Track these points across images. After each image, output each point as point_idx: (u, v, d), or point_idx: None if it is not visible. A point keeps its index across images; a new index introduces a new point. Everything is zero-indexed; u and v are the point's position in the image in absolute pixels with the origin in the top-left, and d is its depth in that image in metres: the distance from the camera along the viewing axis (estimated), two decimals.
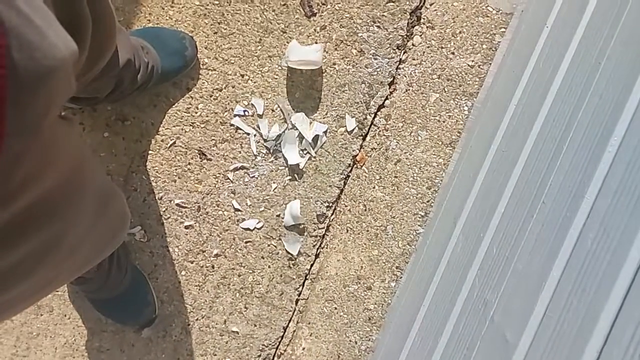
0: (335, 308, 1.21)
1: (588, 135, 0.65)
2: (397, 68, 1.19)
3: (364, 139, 1.20)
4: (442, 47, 1.19)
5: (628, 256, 0.49)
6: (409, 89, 1.20)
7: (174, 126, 1.17)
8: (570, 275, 0.57)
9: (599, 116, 0.64)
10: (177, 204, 1.18)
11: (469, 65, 1.18)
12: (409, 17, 1.18)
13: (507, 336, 0.63)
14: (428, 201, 1.19)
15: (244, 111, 1.17)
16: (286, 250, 1.19)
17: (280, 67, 1.17)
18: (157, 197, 1.18)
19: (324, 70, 1.17)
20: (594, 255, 0.55)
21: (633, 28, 0.65)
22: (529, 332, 0.59)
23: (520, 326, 0.61)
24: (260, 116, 1.17)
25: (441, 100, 1.19)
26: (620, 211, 0.53)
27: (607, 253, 0.52)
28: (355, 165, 1.21)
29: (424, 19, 1.19)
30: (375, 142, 1.20)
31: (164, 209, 1.18)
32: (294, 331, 1.22)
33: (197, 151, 1.17)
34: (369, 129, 1.20)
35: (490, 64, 1.17)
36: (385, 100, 1.20)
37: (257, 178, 1.18)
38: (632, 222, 0.50)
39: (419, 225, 1.19)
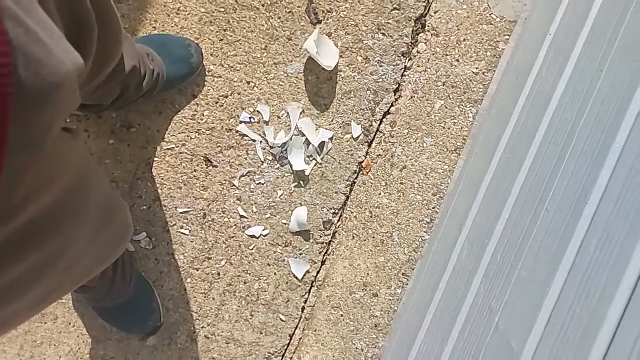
0: (342, 315, 1.21)
1: (591, 142, 0.65)
2: (402, 75, 1.20)
3: (369, 146, 1.21)
4: (446, 55, 1.19)
5: (631, 261, 0.49)
6: (415, 96, 1.20)
7: (179, 133, 1.18)
8: (573, 282, 0.57)
9: (601, 123, 0.64)
10: (183, 211, 1.19)
11: (473, 72, 1.19)
12: (413, 24, 1.19)
13: (512, 343, 0.63)
14: (434, 208, 1.19)
15: (250, 118, 1.18)
16: (292, 274, 1.19)
17: (286, 74, 1.18)
18: (162, 205, 1.18)
19: (329, 77, 1.18)
20: (597, 262, 0.54)
21: (634, 35, 0.65)
22: (534, 339, 0.59)
23: (525, 333, 0.61)
24: (266, 123, 1.18)
25: (446, 107, 1.19)
26: (623, 217, 0.53)
27: (611, 259, 0.52)
28: (361, 172, 1.21)
29: (428, 26, 1.20)
30: (381, 149, 1.21)
31: (169, 216, 1.19)
32: (300, 339, 1.22)
33: (203, 158, 1.18)
34: (374, 135, 1.21)
35: (495, 71, 1.18)
36: (390, 107, 1.20)
37: (263, 185, 1.19)
38: (635, 227, 0.50)
39: (424, 232, 1.19)
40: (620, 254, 0.51)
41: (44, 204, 0.51)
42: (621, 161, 0.57)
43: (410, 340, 1.05)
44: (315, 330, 1.22)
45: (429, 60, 1.20)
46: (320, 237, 1.20)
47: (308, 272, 1.20)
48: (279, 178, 1.19)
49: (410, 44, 1.19)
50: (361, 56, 1.18)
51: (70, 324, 1.20)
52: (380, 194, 1.20)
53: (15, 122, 0.40)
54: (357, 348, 1.21)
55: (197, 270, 1.20)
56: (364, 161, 1.20)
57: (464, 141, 1.19)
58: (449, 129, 1.19)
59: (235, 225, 1.19)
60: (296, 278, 1.20)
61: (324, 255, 1.21)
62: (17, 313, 0.57)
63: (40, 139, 0.45)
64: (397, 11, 1.18)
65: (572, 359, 0.52)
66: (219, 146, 1.18)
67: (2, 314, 0.53)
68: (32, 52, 0.41)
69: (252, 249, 1.20)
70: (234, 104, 1.18)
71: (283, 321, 1.21)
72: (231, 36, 1.17)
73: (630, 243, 0.50)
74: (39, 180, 0.49)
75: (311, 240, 1.20)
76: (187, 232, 1.19)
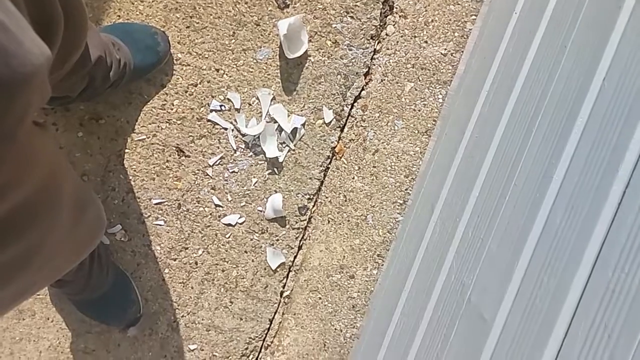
0: (320, 298, 1.23)
1: (555, 117, 0.67)
2: (371, 58, 1.20)
3: (341, 131, 1.21)
4: (415, 36, 1.20)
5: (594, 232, 0.51)
6: (384, 79, 1.21)
7: (149, 123, 1.16)
8: (540, 254, 0.59)
9: (565, 99, 0.66)
10: (157, 202, 1.18)
11: (441, 53, 1.20)
12: (381, 6, 1.19)
13: (484, 315, 0.65)
14: (406, 189, 1.21)
15: (221, 106, 1.17)
16: (267, 264, 1.20)
17: (255, 61, 1.17)
18: (136, 196, 1.17)
19: (299, 62, 1.17)
20: (562, 233, 0.56)
21: (595, 11, 0.67)
22: (504, 309, 0.61)
23: (496, 304, 0.63)
24: (237, 110, 1.17)
25: (416, 89, 1.20)
26: (586, 190, 0.55)
27: (575, 230, 0.54)
28: (334, 157, 1.22)
29: (396, 8, 1.20)
30: (353, 133, 1.21)
31: (143, 208, 1.18)
32: (280, 322, 1.23)
33: (174, 148, 1.17)
34: (346, 120, 1.21)
35: (463, 51, 1.19)
36: (361, 91, 1.21)
37: (237, 173, 1.19)
38: (597, 198, 0.52)
39: (398, 213, 1.21)
40: (584, 225, 0.53)
41: (19, 197, 0.51)
42: (584, 135, 0.59)
43: (387, 318, 1.07)
44: (295, 314, 1.23)
45: (397, 42, 1.20)
46: (296, 222, 1.21)
47: (283, 263, 1.21)
48: (252, 165, 1.19)
49: (378, 26, 1.20)
50: (330, 40, 1.18)
51: (48, 318, 1.18)
52: (353, 178, 1.22)
53: None
54: (336, 329, 1.23)
55: (175, 260, 1.19)
56: (336, 146, 1.21)
57: (434, 122, 1.20)
58: (419, 110, 1.20)
59: (211, 214, 1.19)
60: (270, 268, 1.21)
61: (300, 240, 1.22)
62: None
63: (13, 131, 0.45)
64: None
65: (540, 326, 0.54)
66: (191, 135, 1.17)
67: None
68: (1, 43, 0.40)
69: (229, 237, 1.20)
70: (203, 92, 1.17)
71: (262, 306, 1.22)
72: (198, 23, 1.16)
73: (593, 214, 0.52)
74: (14, 172, 0.49)
75: (287, 226, 1.21)
76: (162, 222, 1.18)
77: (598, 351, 0.46)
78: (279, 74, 1.17)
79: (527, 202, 0.65)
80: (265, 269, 1.21)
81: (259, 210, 1.20)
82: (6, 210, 0.49)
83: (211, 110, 1.17)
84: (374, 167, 1.21)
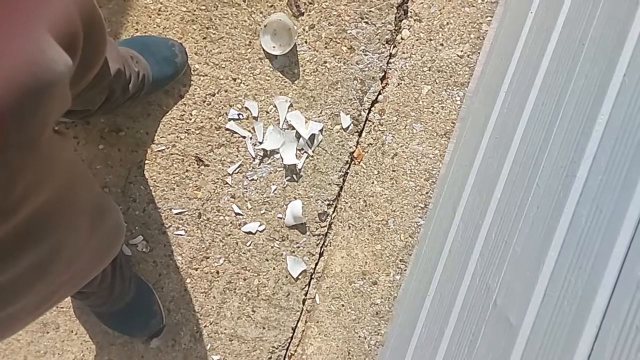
0: (343, 305, 1.22)
1: (576, 115, 0.66)
2: (387, 62, 1.20)
3: (359, 135, 1.21)
4: (430, 39, 1.19)
5: (621, 230, 0.49)
6: (401, 83, 1.20)
7: (169, 134, 1.18)
8: (567, 254, 0.58)
9: (585, 96, 0.65)
10: (178, 212, 1.19)
11: (458, 55, 1.19)
12: (396, 11, 1.19)
13: (510, 319, 0.64)
14: (427, 193, 1.20)
15: (239, 114, 1.17)
16: (288, 272, 1.20)
17: (272, 69, 1.17)
18: (157, 207, 1.18)
19: (315, 69, 1.18)
20: (588, 233, 0.55)
21: (613, 7, 0.65)
22: (531, 312, 0.60)
23: (522, 308, 0.62)
24: (255, 118, 1.18)
25: (433, 92, 1.20)
26: (611, 187, 0.54)
27: (601, 229, 0.53)
28: (353, 162, 1.21)
29: (411, 12, 1.20)
30: (371, 138, 1.21)
31: (164, 218, 1.19)
32: (303, 331, 1.23)
33: (194, 158, 1.18)
34: (364, 124, 1.21)
35: (479, 53, 1.18)
36: (378, 95, 1.20)
37: (256, 181, 1.19)
38: (622, 196, 0.51)
39: (419, 217, 1.20)
40: (610, 223, 0.52)
41: (39, 203, 0.52)
42: (607, 132, 0.58)
43: (411, 324, 1.06)
44: (317, 322, 1.23)
45: (413, 46, 1.20)
46: (317, 229, 1.21)
47: (304, 271, 1.20)
48: (271, 173, 1.19)
49: (393, 30, 1.19)
50: (345, 46, 1.18)
51: (72, 331, 1.20)
52: (373, 183, 1.21)
53: (12, 119, 0.41)
54: (360, 336, 1.22)
55: (196, 270, 1.20)
56: (355, 151, 1.21)
57: (452, 124, 1.19)
58: (437, 113, 1.19)
59: (231, 222, 1.20)
60: (291, 276, 1.20)
61: (321, 247, 1.22)
62: (20, 314, 0.58)
63: (36, 138, 0.46)
64: None
65: (569, 329, 0.53)
66: (209, 145, 1.18)
67: (7, 312, 0.54)
68: (27, 51, 0.41)
69: (250, 246, 1.20)
70: (221, 102, 1.18)
71: (284, 315, 1.21)
72: (214, 34, 1.17)
73: (620, 211, 0.51)
74: (34, 178, 0.50)
75: (307, 233, 1.20)
76: (183, 232, 1.19)
77: (630, 354, 0.44)
78: (295, 81, 1.18)
79: (551, 202, 0.64)
80: (286, 276, 1.21)
81: (279, 217, 1.20)
82: (25, 215, 0.50)
83: (229, 119, 1.18)
84: (394, 171, 1.20)
